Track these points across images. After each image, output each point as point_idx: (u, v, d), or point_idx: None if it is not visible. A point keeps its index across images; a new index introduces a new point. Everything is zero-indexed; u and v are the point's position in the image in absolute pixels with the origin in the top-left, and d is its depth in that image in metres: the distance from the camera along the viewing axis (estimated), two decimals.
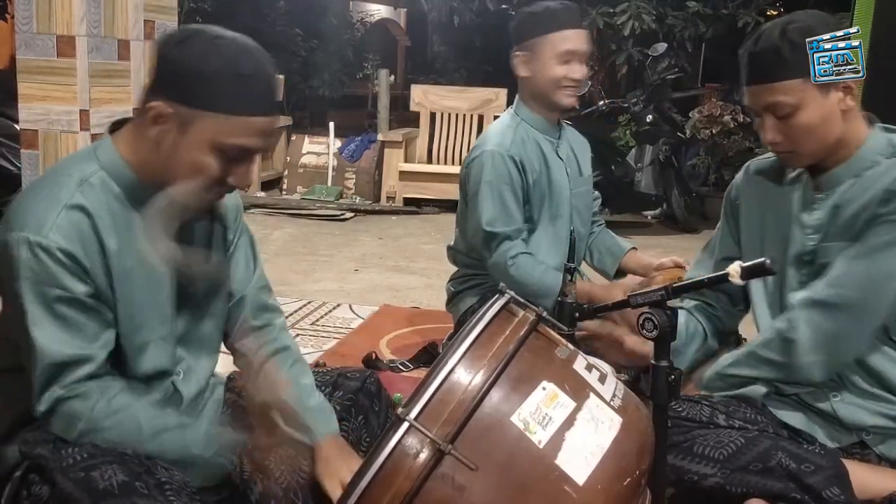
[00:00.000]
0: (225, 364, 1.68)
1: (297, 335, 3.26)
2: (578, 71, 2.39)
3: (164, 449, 1.37)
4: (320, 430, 1.54)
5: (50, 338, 1.31)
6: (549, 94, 2.42)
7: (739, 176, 1.88)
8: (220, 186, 1.39)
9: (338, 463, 1.51)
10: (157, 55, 1.35)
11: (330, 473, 1.50)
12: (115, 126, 1.45)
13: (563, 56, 2.37)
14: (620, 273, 2.63)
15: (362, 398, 1.68)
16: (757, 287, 1.80)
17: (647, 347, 1.82)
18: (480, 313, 1.24)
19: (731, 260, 1.79)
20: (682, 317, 1.86)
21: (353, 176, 6.82)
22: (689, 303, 1.93)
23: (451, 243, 2.72)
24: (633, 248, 2.67)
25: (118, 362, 1.40)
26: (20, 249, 1.29)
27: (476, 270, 2.58)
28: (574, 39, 2.38)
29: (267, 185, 7.02)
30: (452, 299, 2.67)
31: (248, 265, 1.64)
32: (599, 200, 2.78)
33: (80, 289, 1.32)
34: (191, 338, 1.52)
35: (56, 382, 1.32)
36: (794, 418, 1.70)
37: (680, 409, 1.68)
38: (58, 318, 1.32)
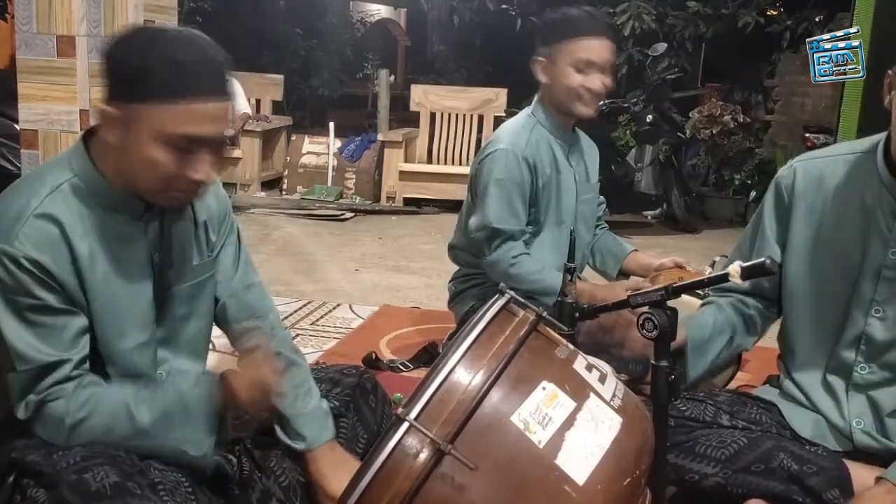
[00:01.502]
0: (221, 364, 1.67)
1: (297, 335, 3.26)
2: (596, 81, 2.34)
3: (157, 417, 1.34)
4: (315, 440, 1.53)
5: (24, 343, 1.31)
6: (566, 103, 2.39)
7: (792, 176, 1.70)
8: (183, 183, 1.34)
9: (329, 474, 1.50)
10: (104, 59, 1.34)
11: (320, 482, 1.49)
12: (89, 133, 1.42)
13: (580, 65, 2.33)
14: (622, 275, 2.64)
15: (358, 394, 1.69)
16: (808, 300, 1.68)
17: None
18: (480, 313, 1.24)
19: None
20: (710, 311, 1.78)
21: (353, 176, 6.82)
22: (721, 299, 1.82)
23: (452, 241, 2.72)
24: (635, 249, 2.67)
25: (97, 365, 1.39)
26: None
27: (478, 269, 2.58)
28: (594, 49, 2.33)
29: (267, 185, 7.02)
30: (454, 298, 2.68)
31: (233, 265, 1.62)
32: (604, 205, 2.78)
33: (49, 297, 1.32)
34: (174, 340, 1.51)
35: (32, 389, 1.32)
36: (805, 426, 1.68)
37: (684, 408, 1.67)
38: (30, 325, 1.31)
